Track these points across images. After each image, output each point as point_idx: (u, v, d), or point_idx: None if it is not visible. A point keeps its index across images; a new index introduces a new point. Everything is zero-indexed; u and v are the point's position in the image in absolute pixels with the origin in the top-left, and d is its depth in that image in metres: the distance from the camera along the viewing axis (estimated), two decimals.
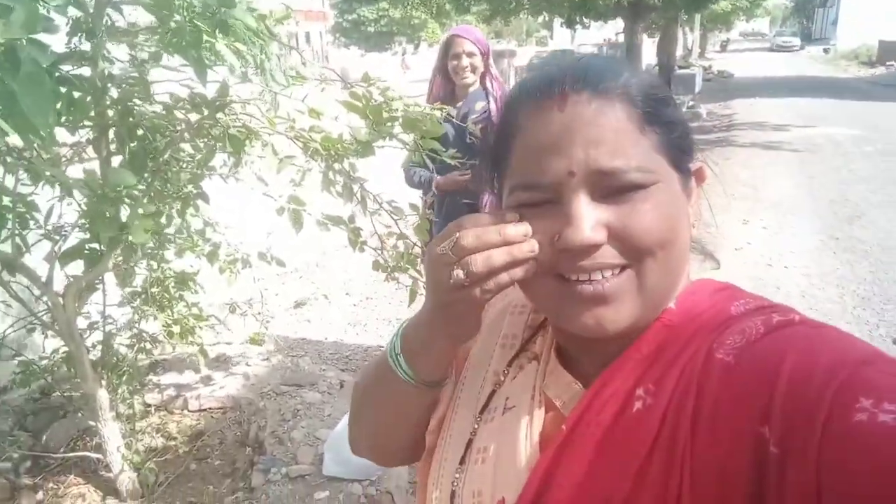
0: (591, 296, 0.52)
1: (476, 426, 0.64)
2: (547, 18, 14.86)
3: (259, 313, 2.73)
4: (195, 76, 1.28)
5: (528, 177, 0.53)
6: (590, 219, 0.51)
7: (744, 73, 22.63)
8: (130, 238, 1.43)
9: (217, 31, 1.21)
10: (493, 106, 2.86)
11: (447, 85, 2.81)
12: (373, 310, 4.39)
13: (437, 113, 1.75)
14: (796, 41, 40.71)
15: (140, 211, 1.43)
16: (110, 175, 1.45)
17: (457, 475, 0.62)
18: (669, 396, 0.49)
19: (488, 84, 2.83)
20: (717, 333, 0.50)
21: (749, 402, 0.44)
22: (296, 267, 5.01)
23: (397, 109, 1.66)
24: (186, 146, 1.69)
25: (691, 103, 12.68)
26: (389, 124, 1.61)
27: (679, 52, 22.33)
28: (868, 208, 6.02)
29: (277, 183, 1.92)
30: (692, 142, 0.57)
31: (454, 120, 2.43)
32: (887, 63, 20.77)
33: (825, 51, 33.34)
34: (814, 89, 16.53)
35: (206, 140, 1.69)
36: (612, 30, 20.32)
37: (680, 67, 17.70)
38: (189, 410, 2.57)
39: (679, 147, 0.55)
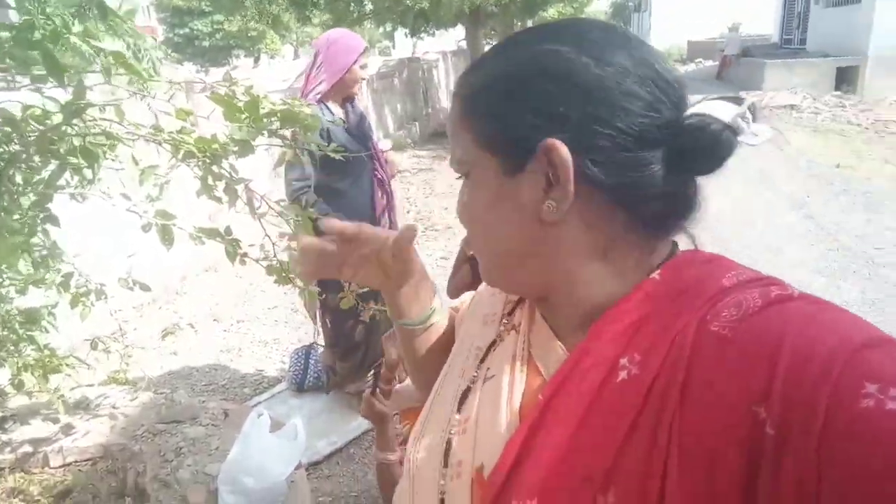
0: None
1: (455, 415, 0.64)
2: (390, 28, 14.99)
3: (126, 347, 2.45)
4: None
5: None
6: (460, 196, 0.62)
7: None
8: None
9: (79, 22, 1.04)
10: (361, 108, 2.91)
11: (329, 88, 2.69)
12: (245, 333, 4.13)
13: (312, 108, 1.66)
14: None
15: None
16: None
17: (443, 469, 0.62)
18: (658, 368, 0.48)
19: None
20: (710, 305, 0.49)
21: (745, 380, 0.43)
22: (153, 297, 4.60)
23: (274, 104, 1.55)
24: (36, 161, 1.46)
25: None
26: (268, 120, 1.50)
27: None
28: None
29: (139, 196, 1.73)
30: (534, 120, 0.53)
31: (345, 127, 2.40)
32: (696, 60, 23.27)
33: None
34: None
35: (52, 155, 1.47)
36: (454, 38, 20.95)
37: None
38: (51, 467, 2.24)
39: (492, 133, 0.56)
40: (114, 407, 2.58)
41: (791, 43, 16.95)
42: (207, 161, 1.42)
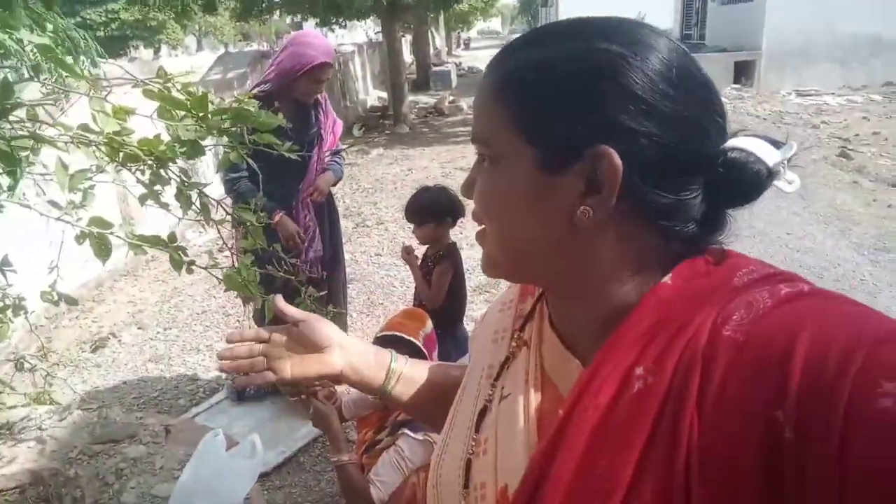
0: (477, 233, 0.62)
1: (473, 435, 0.65)
2: (299, 19, 14.59)
3: (52, 366, 2.26)
4: None
5: None
6: (470, 176, 0.61)
7: None
8: None
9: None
10: (322, 118, 2.76)
11: (278, 88, 2.57)
12: (174, 341, 3.92)
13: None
14: None
15: None
16: None
17: (463, 490, 0.63)
18: (671, 375, 0.47)
19: (320, 98, 2.74)
20: (721, 307, 0.48)
21: (760, 384, 0.42)
22: (67, 306, 4.28)
23: (221, 101, 1.47)
24: None
25: (451, 98, 13.41)
26: (218, 118, 1.42)
27: (431, 51, 23.51)
28: None
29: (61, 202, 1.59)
30: (586, 120, 0.51)
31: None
32: None
33: None
34: None
35: None
36: (364, 31, 20.70)
37: (434, 65, 18.66)
38: None
39: (546, 129, 0.52)
40: (40, 429, 2.39)
41: (691, 38, 17.83)
42: (153, 165, 1.32)
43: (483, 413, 0.65)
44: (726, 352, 0.45)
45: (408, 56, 20.54)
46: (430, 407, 0.85)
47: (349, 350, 0.84)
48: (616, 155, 0.49)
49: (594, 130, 0.50)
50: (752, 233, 4.92)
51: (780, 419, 0.40)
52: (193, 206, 1.38)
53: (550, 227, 0.54)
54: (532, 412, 0.59)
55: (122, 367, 3.62)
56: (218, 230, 1.46)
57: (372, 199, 6.67)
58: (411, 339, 2.00)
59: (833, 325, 0.42)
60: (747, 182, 0.52)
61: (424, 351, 2.03)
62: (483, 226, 0.60)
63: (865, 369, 0.39)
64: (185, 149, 1.42)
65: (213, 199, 1.42)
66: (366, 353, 0.85)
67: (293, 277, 2.19)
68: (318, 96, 2.71)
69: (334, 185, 2.94)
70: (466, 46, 43.33)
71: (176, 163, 1.43)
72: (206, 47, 35.03)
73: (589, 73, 0.51)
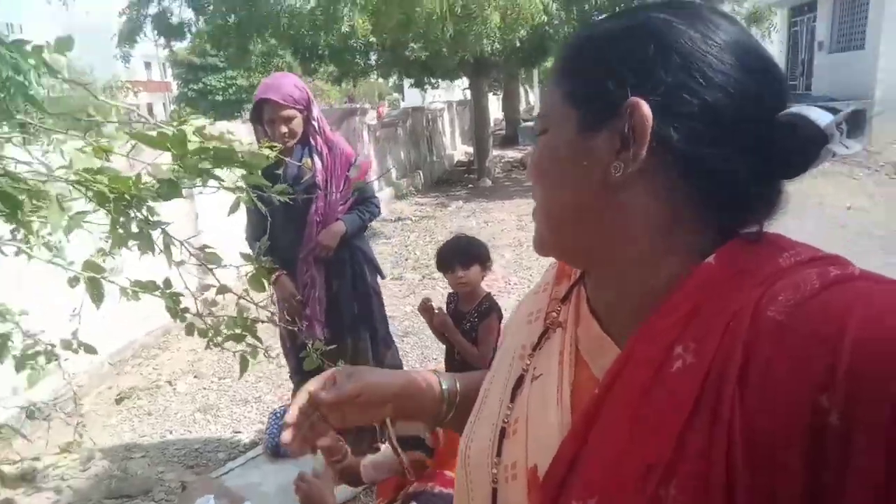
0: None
1: (508, 403, 0.64)
2: (396, 80, 15.17)
3: (82, 416, 2.22)
4: None
5: None
6: (531, 155, 0.60)
7: None
8: None
9: None
10: (318, 164, 2.54)
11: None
12: (225, 391, 3.88)
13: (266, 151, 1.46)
14: None
15: None
16: None
17: (495, 458, 0.61)
18: (713, 355, 0.45)
19: (311, 141, 2.53)
20: (766, 287, 0.46)
21: (806, 367, 0.40)
22: (133, 352, 4.38)
23: (210, 142, 1.35)
24: None
25: None
26: (198, 157, 1.30)
27: (522, 106, 23.73)
28: None
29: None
30: (622, 78, 0.51)
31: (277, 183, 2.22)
32: None
33: None
34: None
35: None
36: (460, 89, 21.23)
37: (524, 120, 18.73)
38: None
39: (587, 89, 0.54)
40: (62, 479, 2.34)
41: (796, 89, 16.97)
42: (124, 205, 1.22)
43: (519, 382, 0.64)
44: (770, 333, 0.43)
45: (499, 112, 20.80)
46: None
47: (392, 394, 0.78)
48: (646, 105, 0.49)
49: (631, 85, 0.51)
50: None
51: (825, 404, 0.39)
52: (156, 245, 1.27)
53: (589, 186, 0.54)
54: (565, 393, 0.58)
55: (172, 416, 3.60)
56: (179, 273, 1.33)
57: None
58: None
59: (885, 308, 0.41)
60: (799, 147, 0.50)
61: None
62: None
63: None
64: (160, 188, 1.33)
65: (176, 240, 1.30)
66: (407, 386, 0.79)
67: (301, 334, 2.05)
68: (316, 140, 2.54)
69: (353, 237, 2.68)
70: None
71: (148, 204, 1.32)
72: (314, 108, 37.19)
73: (638, 34, 0.52)
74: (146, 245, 1.27)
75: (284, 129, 2.40)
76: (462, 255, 2.46)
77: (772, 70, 0.53)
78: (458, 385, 0.81)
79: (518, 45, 8.65)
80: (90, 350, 2.03)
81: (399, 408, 0.77)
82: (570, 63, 0.56)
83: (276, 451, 2.99)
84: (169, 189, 1.32)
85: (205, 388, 3.92)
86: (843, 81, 13.72)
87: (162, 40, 10.12)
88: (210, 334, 1.49)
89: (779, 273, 0.47)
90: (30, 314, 2.05)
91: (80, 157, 1.17)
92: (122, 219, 1.27)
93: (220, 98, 35.41)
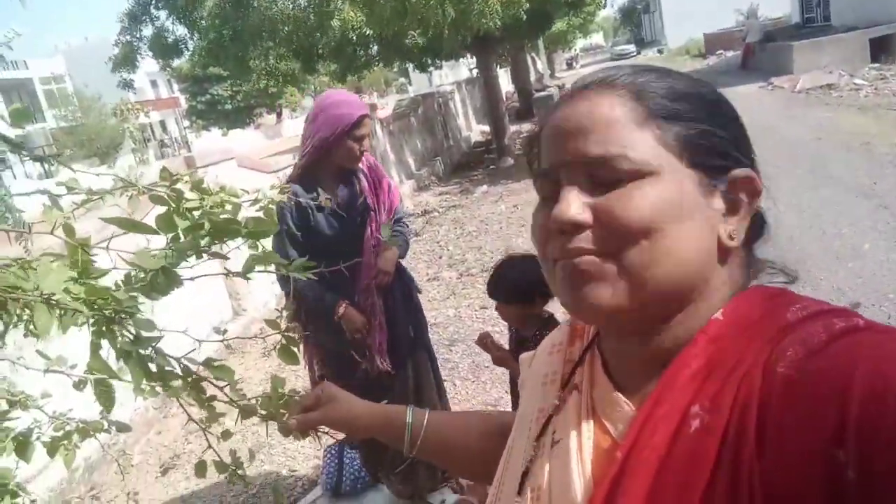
0: (570, 273, 0.55)
1: (529, 465, 0.64)
2: (400, 67, 14.86)
3: (129, 470, 2.07)
4: None
5: (541, 165, 0.61)
6: (576, 200, 0.55)
7: None
8: None
9: None
10: (364, 184, 2.37)
11: (318, 160, 2.26)
12: (274, 427, 3.73)
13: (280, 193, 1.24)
14: (632, 48, 44.29)
15: None
16: None
17: None
18: (728, 413, 0.46)
19: (364, 163, 2.38)
20: (775, 343, 0.47)
21: (818, 422, 0.41)
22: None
23: (203, 208, 1.11)
24: None
25: None
26: (191, 238, 1.08)
27: (532, 76, 23.17)
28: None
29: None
30: (731, 146, 0.57)
31: (333, 207, 2.09)
32: (717, 52, 22.56)
33: (659, 51, 36.09)
34: None
35: None
36: (465, 67, 20.80)
37: (536, 91, 18.25)
38: None
39: (699, 145, 0.55)
40: None
41: (813, 21, 16.25)
42: (99, 321, 1.01)
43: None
44: (781, 390, 0.44)
45: (510, 85, 20.34)
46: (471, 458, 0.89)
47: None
48: (758, 179, 0.56)
49: (738, 156, 0.57)
50: None
51: (841, 458, 0.39)
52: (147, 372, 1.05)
53: (708, 246, 0.55)
54: (586, 456, 0.58)
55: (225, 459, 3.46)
56: (179, 402, 1.11)
57: (476, 244, 6.32)
58: None
59: (890, 358, 0.41)
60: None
61: None
62: (595, 255, 0.55)
63: None
64: (153, 282, 1.11)
65: (172, 358, 1.08)
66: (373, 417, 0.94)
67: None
68: (362, 162, 2.36)
69: (401, 258, 2.55)
70: (570, 66, 42.56)
71: (131, 314, 1.09)
72: None
73: (721, 99, 0.59)
74: (137, 372, 1.05)
75: (367, 145, 2.26)
76: (504, 292, 2.21)
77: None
78: (425, 420, 0.90)
79: (523, 16, 8.29)
80: (123, 428, 1.86)
81: (367, 434, 0.93)
82: (667, 113, 0.55)
83: (335, 491, 2.88)
84: (165, 281, 1.11)
85: (254, 424, 3.78)
86: (865, 6, 13.08)
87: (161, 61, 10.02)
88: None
89: (787, 328, 0.48)
90: (53, 395, 1.89)
91: (48, 270, 0.96)
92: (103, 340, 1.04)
93: (228, 107, 35.43)
